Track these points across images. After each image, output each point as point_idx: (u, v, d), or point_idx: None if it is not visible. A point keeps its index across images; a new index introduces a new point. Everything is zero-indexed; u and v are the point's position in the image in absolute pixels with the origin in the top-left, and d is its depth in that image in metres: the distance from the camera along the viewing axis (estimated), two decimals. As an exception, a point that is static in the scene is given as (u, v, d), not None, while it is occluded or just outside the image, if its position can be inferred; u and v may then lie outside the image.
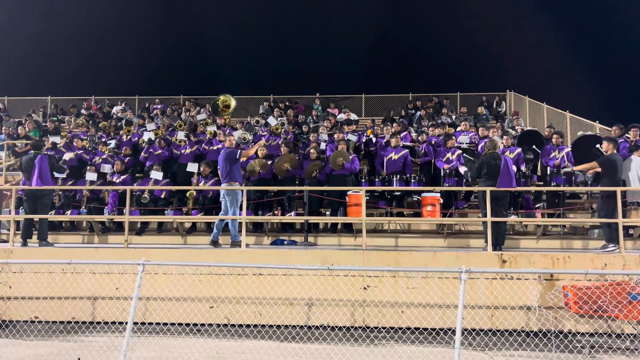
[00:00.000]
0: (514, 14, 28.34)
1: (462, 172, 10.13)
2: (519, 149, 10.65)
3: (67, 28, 29.62)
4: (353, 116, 17.27)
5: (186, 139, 12.38)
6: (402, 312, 7.74)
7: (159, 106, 19.39)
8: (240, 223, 9.00)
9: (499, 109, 19.25)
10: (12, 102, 22.06)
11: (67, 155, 12.20)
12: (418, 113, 17.75)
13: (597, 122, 13.83)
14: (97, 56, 30.45)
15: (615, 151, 8.88)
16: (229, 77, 29.66)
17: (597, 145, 9.45)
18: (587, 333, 7.21)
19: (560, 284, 7.47)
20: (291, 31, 30.08)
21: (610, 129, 11.13)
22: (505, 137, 10.90)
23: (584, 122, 14.51)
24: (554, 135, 10.78)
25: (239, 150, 9.49)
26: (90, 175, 11.22)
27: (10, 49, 28.97)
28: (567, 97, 21.15)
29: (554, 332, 6.71)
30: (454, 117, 17.32)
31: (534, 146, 10.83)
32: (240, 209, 8.99)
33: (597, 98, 24.11)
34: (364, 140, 12.91)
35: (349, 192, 9.75)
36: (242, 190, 9.02)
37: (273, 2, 31.20)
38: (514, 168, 10.16)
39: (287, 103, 19.19)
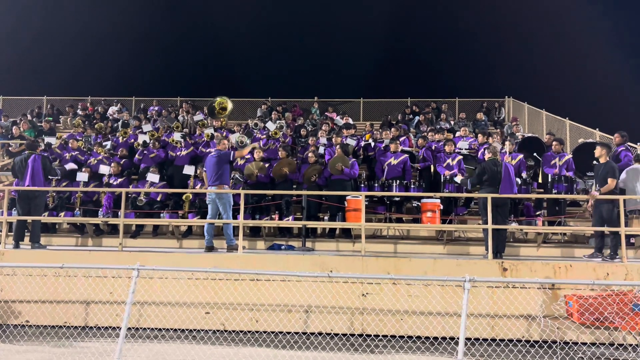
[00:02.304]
0: (513, 19, 28.38)
1: (459, 182, 9.96)
2: (521, 156, 10.56)
3: (64, 28, 29.42)
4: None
5: (182, 139, 12.22)
6: (402, 320, 7.61)
7: (156, 108, 19.22)
8: (236, 226, 8.85)
9: (498, 115, 19.20)
10: (7, 102, 21.84)
11: (69, 166, 11.90)
12: (417, 118, 17.68)
13: (597, 129, 13.77)
14: (94, 56, 30.25)
15: (608, 158, 8.80)
16: (226, 80, 29.53)
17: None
18: (592, 344, 7.07)
19: (563, 293, 7.36)
20: (290, 35, 30.01)
21: (611, 136, 11.04)
22: (507, 143, 10.80)
23: (584, 129, 14.44)
24: (554, 143, 10.67)
25: (232, 152, 9.32)
26: (81, 176, 11.03)
27: (6, 48, 28.75)
28: (567, 104, 21.14)
29: (559, 343, 6.59)
30: (452, 122, 17.26)
31: (535, 153, 10.73)
32: (237, 212, 8.87)
33: (597, 105, 24.08)
34: (362, 144, 12.80)
35: (347, 197, 9.62)
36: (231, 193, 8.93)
37: (270, 6, 31.15)
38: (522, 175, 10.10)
39: (284, 106, 19.08)
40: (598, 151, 8.82)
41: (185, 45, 30.66)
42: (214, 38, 30.27)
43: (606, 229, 8.37)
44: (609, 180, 8.41)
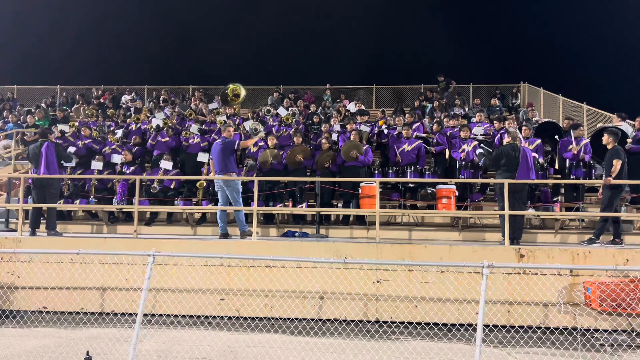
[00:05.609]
0: (527, 3, 27.84)
1: (477, 154, 9.74)
2: (539, 141, 10.35)
3: (77, 18, 29.49)
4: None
5: (198, 133, 12.05)
6: (416, 306, 7.55)
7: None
8: (250, 213, 8.83)
9: (514, 101, 18.88)
10: (21, 91, 21.98)
11: (72, 149, 11.92)
12: (430, 105, 17.45)
13: (615, 114, 13.44)
14: (107, 46, 30.28)
15: (616, 144, 8.65)
16: (237, 68, 29.39)
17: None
18: (614, 330, 6.94)
19: (581, 280, 7.24)
20: (301, 21, 29.76)
21: (632, 122, 10.78)
22: (524, 127, 10.59)
23: (602, 114, 14.12)
24: (572, 128, 10.46)
25: (237, 141, 9.27)
26: (96, 165, 11.08)
27: (20, 38, 28.90)
28: (584, 89, 20.69)
29: (580, 329, 6.48)
30: (466, 108, 17.01)
31: (556, 136, 10.51)
32: (250, 199, 8.86)
33: (615, 89, 23.53)
34: (376, 131, 12.68)
35: (361, 184, 9.54)
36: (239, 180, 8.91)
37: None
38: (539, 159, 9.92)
39: (296, 94, 18.92)
40: (605, 138, 8.75)
41: (197, 33, 30.54)
42: (226, 26, 30.16)
43: (627, 216, 8.24)
44: (614, 162, 8.35)
